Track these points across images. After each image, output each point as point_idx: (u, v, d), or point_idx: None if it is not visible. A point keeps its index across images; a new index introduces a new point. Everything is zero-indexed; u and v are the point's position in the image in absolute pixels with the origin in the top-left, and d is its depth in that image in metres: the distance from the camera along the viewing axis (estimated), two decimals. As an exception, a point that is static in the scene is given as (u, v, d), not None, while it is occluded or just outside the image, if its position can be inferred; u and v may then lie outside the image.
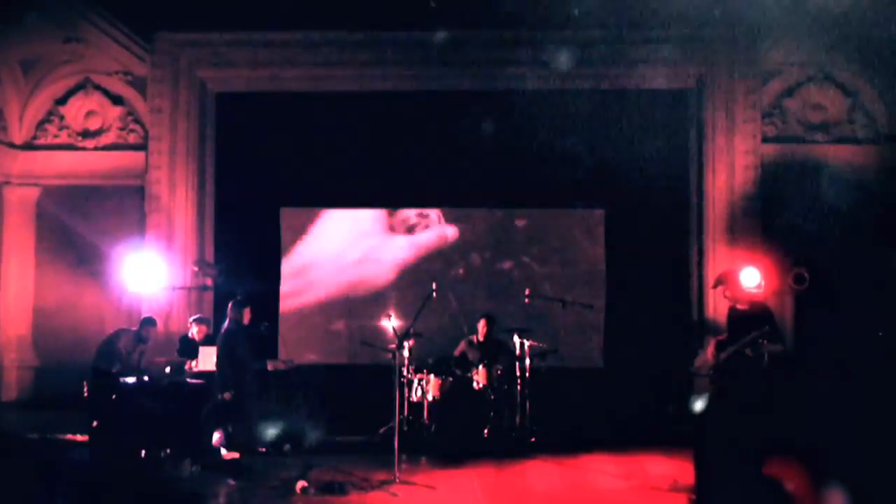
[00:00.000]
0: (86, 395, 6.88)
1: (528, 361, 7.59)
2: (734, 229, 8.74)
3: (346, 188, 9.27)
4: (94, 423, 6.70)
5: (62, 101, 9.42)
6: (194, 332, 7.66)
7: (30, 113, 9.42)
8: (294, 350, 8.16)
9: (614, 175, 8.99)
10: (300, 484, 5.78)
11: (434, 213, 9.41)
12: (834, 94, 9.00)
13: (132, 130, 9.34)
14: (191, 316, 8.07)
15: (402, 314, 8.41)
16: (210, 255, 9.21)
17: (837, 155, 8.93)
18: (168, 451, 6.63)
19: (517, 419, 7.62)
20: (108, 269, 8.77)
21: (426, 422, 7.65)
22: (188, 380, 7.04)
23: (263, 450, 7.07)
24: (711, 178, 8.91)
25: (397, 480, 5.95)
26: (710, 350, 5.98)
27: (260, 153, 9.18)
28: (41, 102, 9.42)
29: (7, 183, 9.40)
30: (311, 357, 8.94)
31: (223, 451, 6.86)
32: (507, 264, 9.29)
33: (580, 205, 9.32)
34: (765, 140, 8.90)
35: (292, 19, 8.73)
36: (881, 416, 6.08)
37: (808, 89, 9.02)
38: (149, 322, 7.47)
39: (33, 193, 9.47)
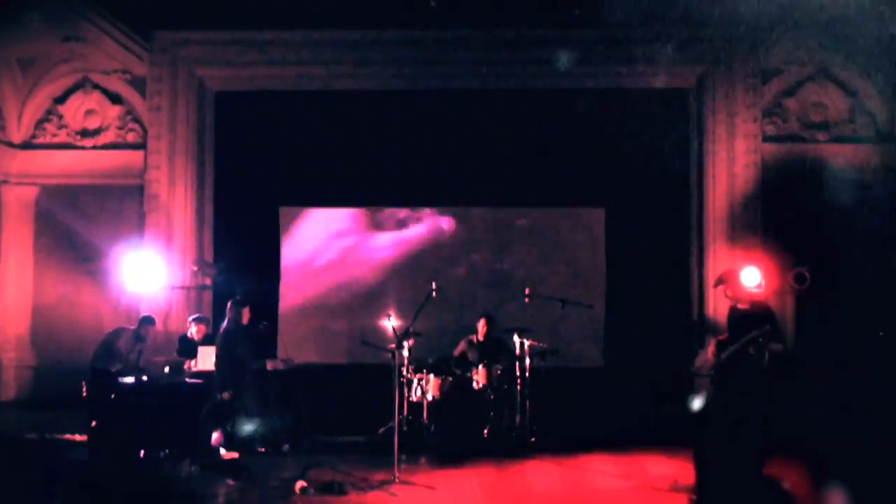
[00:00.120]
0: (84, 394, 6.86)
1: (527, 361, 7.57)
2: (734, 228, 8.73)
3: (345, 187, 9.26)
4: (93, 423, 6.68)
5: (61, 100, 9.40)
6: (193, 331, 7.65)
7: (28, 112, 9.40)
8: (293, 349, 8.14)
9: (614, 175, 9.00)
10: (299, 484, 5.77)
11: (434, 213, 9.40)
12: (834, 93, 9.00)
13: (131, 129, 9.32)
14: (190, 315, 8.06)
15: (401, 314, 8.40)
16: (209, 255, 9.19)
17: (838, 154, 8.92)
18: (167, 450, 6.62)
19: (517, 419, 7.60)
20: (106, 269, 8.75)
21: (426, 422, 7.63)
22: (187, 379, 7.03)
23: (262, 450, 7.05)
24: (712, 178, 8.90)
25: (397, 480, 5.93)
26: (710, 350, 5.97)
27: (259, 152, 9.17)
28: (40, 101, 9.40)
29: (6, 182, 9.38)
30: (310, 357, 8.92)
31: (222, 451, 6.84)
32: (507, 264, 9.27)
33: (580, 204, 9.31)
34: (765, 139, 8.89)
35: (291, 18, 8.72)
36: (881, 415, 6.07)
37: (809, 88, 9.01)
38: (147, 321, 7.45)
39: (32, 192, 9.45)
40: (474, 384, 7.64)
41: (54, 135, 9.41)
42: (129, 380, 6.82)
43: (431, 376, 7.65)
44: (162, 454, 6.62)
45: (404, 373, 7.63)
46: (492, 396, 7.61)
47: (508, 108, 9.10)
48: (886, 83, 8.83)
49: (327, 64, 9.08)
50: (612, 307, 9.05)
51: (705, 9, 8.37)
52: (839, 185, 8.78)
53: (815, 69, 8.97)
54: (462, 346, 8.17)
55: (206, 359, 7.11)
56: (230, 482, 6.14)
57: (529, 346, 7.59)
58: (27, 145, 9.43)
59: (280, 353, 8.43)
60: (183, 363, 7.32)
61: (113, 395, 6.69)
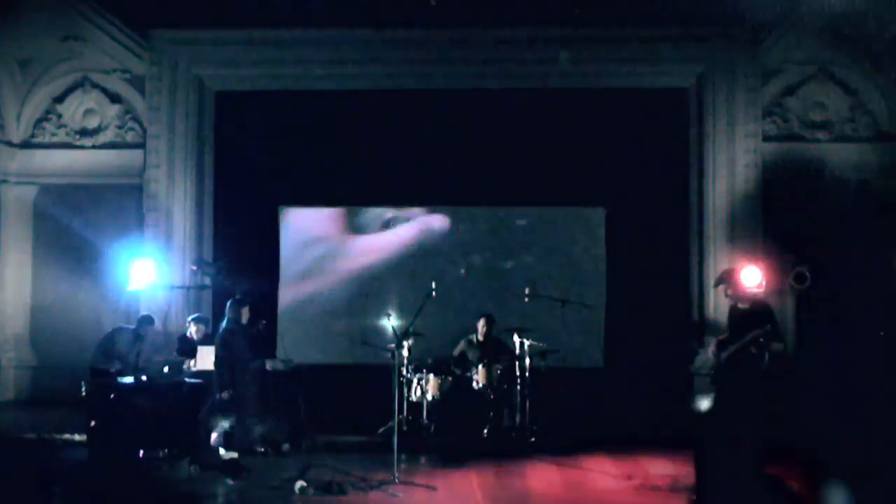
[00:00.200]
0: (83, 394, 6.84)
1: (527, 361, 7.56)
2: (735, 228, 8.73)
3: (345, 187, 9.25)
4: (92, 423, 6.66)
5: (60, 99, 9.39)
6: (192, 331, 7.64)
7: (27, 111, 9.40)
8: (293, 349, 8.12)
9: (614, 174, 9.00)
10: (299, 484, 5.75)
11: (434, 213, 9.38)
12: (835, 93, 9.00)
13: (130, 129, 9.32)
14: (189, 315, 8.05)
15: (401, 313, 8.39)
16: (208, 254, 9.18)
17: (838, 153, 8.92)
18: (166, 450, 6.60)
19: (517, 419, 7.59)
20: (105, 268, 8.75)
21: (425, 422, 7.63)
22: (186, 379, 7.01)
23: (262, 450, 7.04)
24: (712, 177, 8.89)
25: (396, 480, 5.92)
26: (711, 350, 5.96)
27: (259, 152, 9.15)
28: (39, 101, 9.40)
29: (4, 182, 9.38)
30: (309, 356, 8.89)
31: (221, 451, 6.83)
32: (507, 264, 9.26)
33: (580, 204, 9.30)
34: (765, 139, 8.89)
35: (291, 17, 8.71)
36: (881, 415, 6.07)
37: (809, 88, 9.00)
38: (146, 320, 7.44)
39: (31, 192, 9.45)
40: (474, 384, 7.63)
41: (53, 134, 9.40)
42: (129, 379, 6.80)
43: (431, 376, 7.63)
44: (161, 454, 6.60)
45: (404, 373, 7.62)
46: (492, 396, 7.60)
47: (509, 107, 9.09)
48: (887, 82, 8.83)
49: (328, 63, 9.07)
50: (612, 307, 9.05)
51: (705, 8, 8.37)
52: (839, 185, 8.78)
53: (815, 68, 8.96)
54: (462, 345, 8.16)
55: (205, 358, 7.09)
56: (229, 482, 6.12)
57: (529, 346, 7.58)
58: (26, 145, 9.42)
59: (279, 352, 8.41)
60: (182, 363, 7.30)
61: (112, 395, 6.67)
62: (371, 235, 9.39)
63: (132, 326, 7.39)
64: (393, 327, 7.44)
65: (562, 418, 7.55)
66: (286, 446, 7.14)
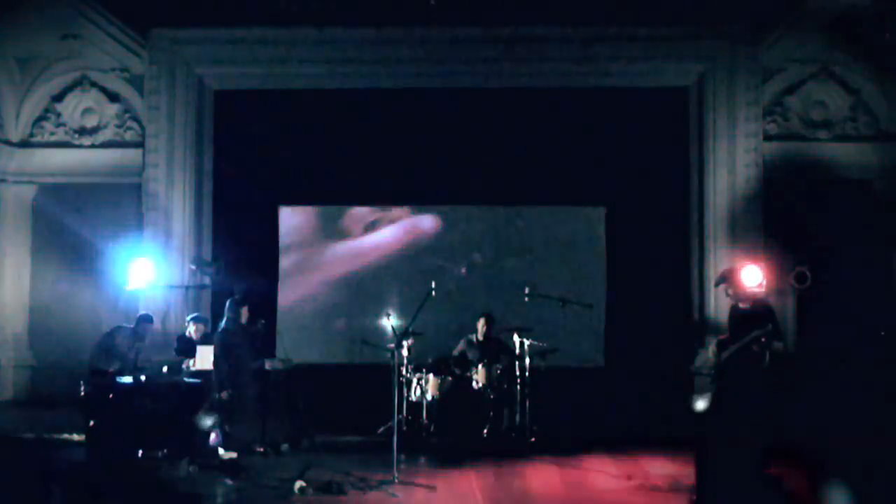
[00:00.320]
0: (82, 394, 6.82)
1: (527, 361, 7.55)
2: (735, 227, 8.70)
3: (344, 185, 9.23)
4: (91, 423, 6.64)
5: (59, 98, 9.37)
6: (191, 330, 7.61)
7: (26, 110, 9.38)
8: (292, 349, 8.10)
9: (615, 173, 8.98)
10: (298, 484, 5.74)
11: (434, 211, 9.37)
12: (836, 92, 8.97)
13: (129, 128, 9.30)
14: (188, 314, 8.03)
15: (401, 313, 8.37)
16: (208, 253, 9.16)
17: (839, 153, 8.90)
18: (165, 450, 6.58)
19: (517, 419, 7.57)
20: (104, 268, 8.72)
21: (425, 421, 7.61)
22: (185, 379, 6.99)
23: (261, 449, 7.02)
24: (712, 176, 8.87)
25: (396, 480, 5.90)
26: (711, 349, 5.94)
27: (258, 151, 9.15)
28: (37, 100, 9.37)
29: (3, 181, 9.35)
30: (309, 356, 8.88)
31: (220, 451, 6.81)
32: (506, 263, 9.24)
33: (581, 203, 9.28)
34: (766, 138, 8.87)
35: (290, 16, 8.70)
36: (882, 415, 6.06)
37: (810, 87, 8.98)
38: (145, 319, 7.41)
39: (30, 191, 9.43)
40: (474, 384, 7.61)
41: (52, 133, 9.38)
42: (127, 379, 6.78)
43: (431, 376, 7.62)
44: (160, 454, 6.59)
45: (403, 372, 7.60)
46: (491, 396, 7.58)
47: (509, 106, 9.08)
48: (888, 81, 8.81)
49: (327, 62, 9.05)
50: (612, 307, 9.03)
51: (706, 7, 8.35)
52: (840, 184, 8.77)
53: (816, 67, 8.93)
54: (462, 345, 8.14)
55: (204, 358, 7.07)
56: (228, 482, 6.11)
57: (529, 346, 7.57)
58: (25, 144, 9.40)
59: (278, 352, 8.40)
60: (181, 362, 7.27)
61: (111, 395, 6.65)
62: (371, 234, 9.38)
63: (131, 326, 7.35)
64: (392, 327, 7.42)
65: (562, 418, 7.54)
66: (285, 446, 7.13)
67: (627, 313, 8.88)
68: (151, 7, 8.79)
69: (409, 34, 8.87)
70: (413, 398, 7.68)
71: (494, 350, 7.90)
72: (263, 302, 8.51)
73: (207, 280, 8.77)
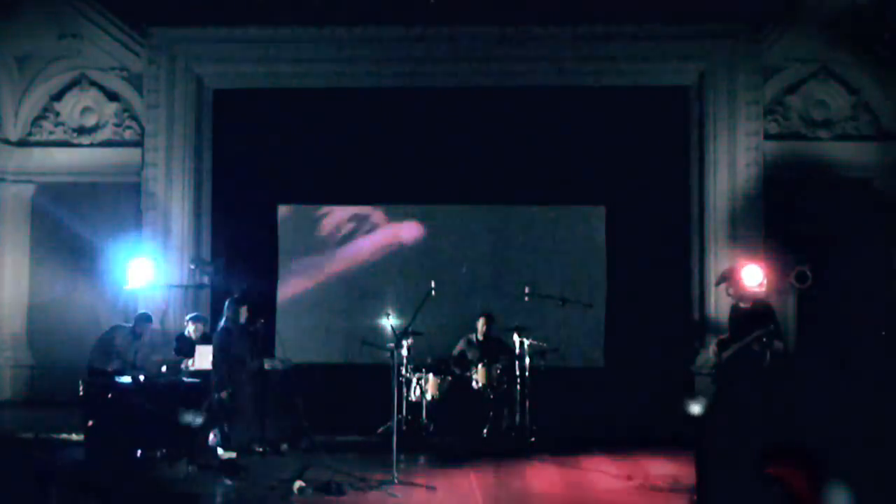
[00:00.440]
0: (81, 393, 6.81)
1: (527, 360, 7.53)
2: (736, 227, 8.69)
3: (344, 185, 9.22)
4: (90, 423, 6.64)
5: (57, 97, 9.36)
6: (190, 330, 7.61)
7: (25, 109, 9.36)
8: (291, 349, 8.09)
9: (615, 172, 8.97)
10: (297, 484, 5.73)
11: (434, 211, 9.35)
12: (837, 91, 8.96)
13: (128, 127, 9.28)
14: (187, 314, 8.01)
15: (400, 313, 8.35)
16: (207, 253, 9.15)
17: (840, 152, 8.88)
18: (164, 450, 6.57)
19: (517, 419, 7.56)
20: (103, 267, 8.72)
21: (425, 421, 7.60)
22: (184, 379, 6.98)
23: (260, 449, 7.01)
24: (713, 176, 8.86)
25: (396, 480, 5.89)
26: (712, 349, 5.94)
27: (258, 150, 9.12)
28: (36, 99, 9.36)
29: (2, 180, 9.34)
30: (308, 356, 8.86)
31: (220, 451, 6.80)
32: (506, 263, 9.22)
33: (581, 203, 9.27)
34: (767, 137, 8.85)
35: (289, 15, 8.68)
36: (882, 415, 6.04)
37: (811, 86, 8.96)
38: (144, 319, 7.40)
39: (28, 190, 9.42)
40: (474, 384, 7.60)
41: (51, 132, 9.36)
42: (126, 379, 6.77)
43: (430, 376, 7.61)
44: (159, 454, 6.58)
45: (403, 372, 7.59)
46: (491, 396, 7.57)
47: (509, 105, 9.06)
48: (889, 80, 8.79)
49: (327, 61, 9.03)
50: (612, 307, 9.01)
51: (706, 6, 8.34)
52: (841, 184, 8.75)
53: (817, 66, 8.92)
54: (461, 345, 8.13)
55: (203, 358, 7.06)
56: (228, 482, 6.10)
57: (529, 345, 7.55)
58: (24, 143, 9.39)
59: (278, 352, 8.38)
60: (180, 362, 7.26)
61: (110, 395, 6.65)
62: (370, 234, 9.36)
63: (130, 325, 7.35)
64: (392, 326, 7.41)
65: (562, 418, 7.52)
66: (285, 446, 7.12)
67: (627, 313, 8.86)
68: (151, 6, 8.78)
69: (409, 33, 8.86)
70: (412, 398, 7.66)
71: (494, 350, 7.88)
72: (263, 301, 8.48)
73: (206, 279, 8.76)
